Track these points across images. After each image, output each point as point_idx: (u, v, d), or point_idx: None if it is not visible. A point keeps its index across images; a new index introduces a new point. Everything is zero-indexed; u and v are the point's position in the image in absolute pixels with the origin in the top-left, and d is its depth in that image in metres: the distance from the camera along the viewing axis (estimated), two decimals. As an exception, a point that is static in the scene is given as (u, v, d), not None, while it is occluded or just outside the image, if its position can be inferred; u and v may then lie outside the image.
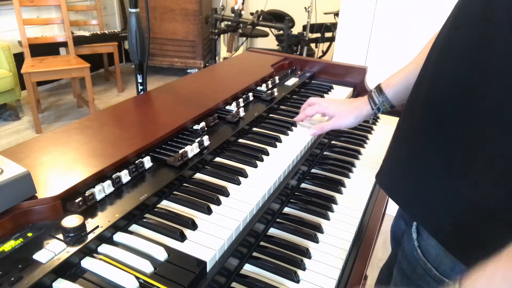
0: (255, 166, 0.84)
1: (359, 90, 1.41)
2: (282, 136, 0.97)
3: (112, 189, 0.67)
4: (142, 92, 1.28)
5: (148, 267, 0.54)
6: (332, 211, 0.85)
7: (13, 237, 0.54)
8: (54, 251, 0.52)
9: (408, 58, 0.89)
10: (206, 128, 0.92)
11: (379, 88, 0.92)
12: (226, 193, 0.73)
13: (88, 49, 3.76)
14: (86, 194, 0.62)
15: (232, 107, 1.05)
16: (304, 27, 3.41)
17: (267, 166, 0.85)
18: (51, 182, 0.63)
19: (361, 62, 2.13)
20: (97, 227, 0.58)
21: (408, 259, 0.69)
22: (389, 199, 1.05)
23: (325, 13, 3.56)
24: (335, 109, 0.96)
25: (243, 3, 3.50)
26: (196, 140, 0.83)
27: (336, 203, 0.88)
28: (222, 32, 3.72)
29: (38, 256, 0.51)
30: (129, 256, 0.55)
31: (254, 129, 1.02)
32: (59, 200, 0.60)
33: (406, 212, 0.72)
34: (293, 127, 1.03)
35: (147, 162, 0.75)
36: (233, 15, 3.49)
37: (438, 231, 0.60)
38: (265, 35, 4.06)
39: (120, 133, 0.84)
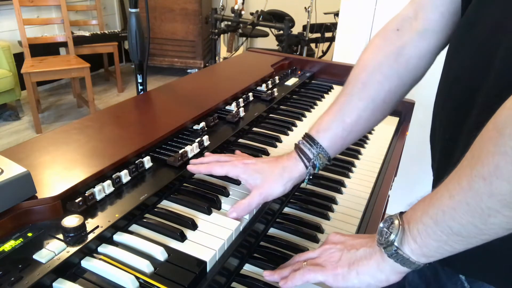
0: (255, 166, 0.84)
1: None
2: (282, 136, 0.97)
3: (112, 189, 0.67)
4: (142, 92, 1.28)
5: (148, 267, 0.54)
6: (332, 211, 0.85)
7: (13, 237, 0.54)
8: (54, 251, 0.52)
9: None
10: (206, 128, 0.92)
11: (308, 137, 0.70)
12: (226, 193, 0.73)
13: (88, 49, 3.76)
14: (86, 194, 0.62)
15: (232, 107, 1.05)
16: (304, 27, 3.41)
17: (267, 166, 0.85)
18: (51, 182, 0.63)
19: (361, 62, 2.13)
20: (97, 227, 0.58)
21: None
22: (389, 199, 1.05)
23: (325, 13, 3.56)
24: (255, 174, 0.70)
25: (243, 3, 3.50)
26: (196, 140, 0.83)
27: (336, 203, 0.88)
28: (222, 32, 3.72)
29: (38, 256, 0.51)
30: (129, 256, 0.55)
31: (254, 129, 1.02)
32: (59, 200, 0.60)
33: (449, 266, 0.57)
34: (293, 127, 1.03)
35: (147, 162, 0.75)
36: (233, 15, 3.49)
37: (497, 277, 0.50)
38: (265, 35, 4.06)
39: (120, 133, 0.84)
